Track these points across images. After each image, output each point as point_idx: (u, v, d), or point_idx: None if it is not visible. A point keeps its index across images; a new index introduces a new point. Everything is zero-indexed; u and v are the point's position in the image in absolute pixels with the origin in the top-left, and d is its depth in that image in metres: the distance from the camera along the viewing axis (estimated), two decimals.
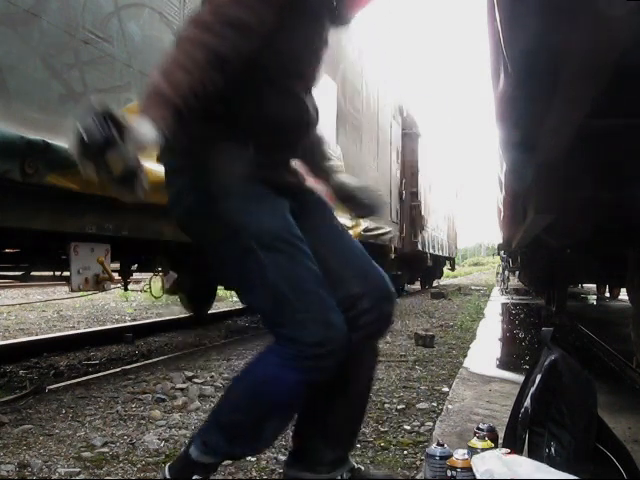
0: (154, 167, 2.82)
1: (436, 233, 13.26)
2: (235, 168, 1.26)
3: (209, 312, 6.35)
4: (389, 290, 1.39)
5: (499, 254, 15.09)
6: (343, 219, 6.44)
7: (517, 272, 14.01)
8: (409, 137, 10.22)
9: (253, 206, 1.26)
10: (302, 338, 1.21)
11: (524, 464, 1.31)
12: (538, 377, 1.53)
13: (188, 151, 1.28)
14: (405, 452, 1.84)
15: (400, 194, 9.37)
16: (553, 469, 1.30)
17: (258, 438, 1.30)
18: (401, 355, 3.68)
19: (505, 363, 3.76)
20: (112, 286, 2.88)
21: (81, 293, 2.88)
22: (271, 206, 1.29)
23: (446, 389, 2.72)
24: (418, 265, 11.71)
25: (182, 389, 2.63)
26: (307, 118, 1.40)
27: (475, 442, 1.47)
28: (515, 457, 1.34)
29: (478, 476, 1.28)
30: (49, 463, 1.71)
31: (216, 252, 1.32)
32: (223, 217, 1.25)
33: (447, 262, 17.73)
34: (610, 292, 10.10)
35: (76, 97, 2.30)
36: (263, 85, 1.30)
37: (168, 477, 1.31)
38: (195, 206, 1.28)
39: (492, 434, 1.57)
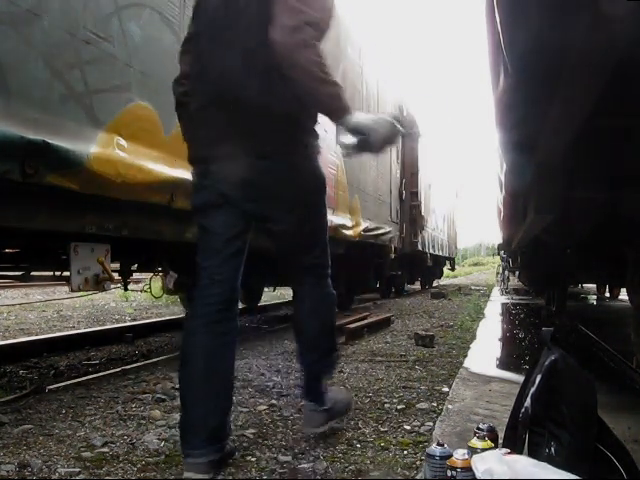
0: (155, 168, 2.81)
1: (436, 233, 13.26)
2: None
3: None
4: None
5: (499, 254, 15.07)
6: (343, 219, 6.42)
7: (517, 272, 13.99)
8: (409, 137, 10.21)
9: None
10: (327, 262, 1.88)
11: (524, 463, 1.31)
12: (538, 377, 1.53)
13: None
14: (405, 452, 1.83)
15: (400, 194, 9.37)
16: (554, 468, 1.30)
17: None
18: (401, 355, 3.68)
19: (505, 363, 3.76)
20: (112, 286, 2.88)
21: (81, 293, 2.88)
22: None
23: (446, 389, 2.71)
24: (418, 265, 11.72)
25: None
26: None
27: (475, 442, 1.47)
28: (515, 456, 1.34)
29: (478, 476, 1.28)
30: (49, 463, 1.71)
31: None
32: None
33: (447, 262, 17.74)
34: (610, 292, 10.09)
35: (77, 97, 2.30)
36: None
37: None
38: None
39: (492, 434, 1.57)
